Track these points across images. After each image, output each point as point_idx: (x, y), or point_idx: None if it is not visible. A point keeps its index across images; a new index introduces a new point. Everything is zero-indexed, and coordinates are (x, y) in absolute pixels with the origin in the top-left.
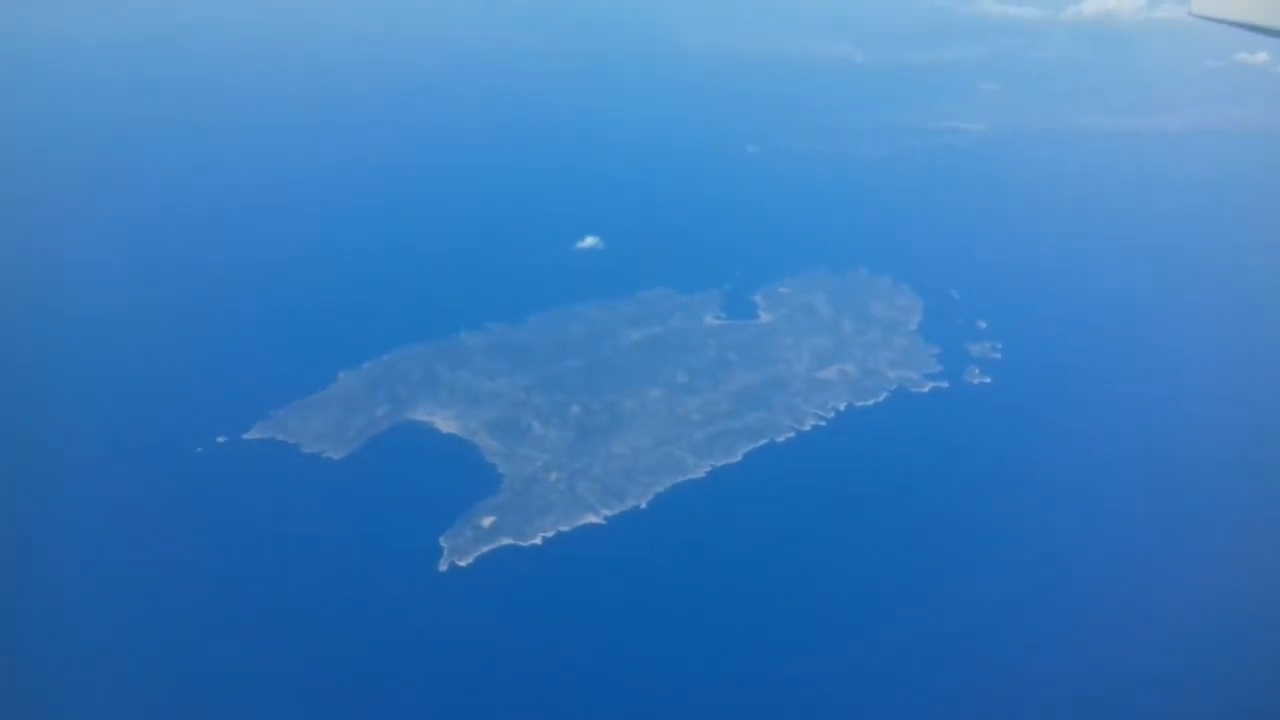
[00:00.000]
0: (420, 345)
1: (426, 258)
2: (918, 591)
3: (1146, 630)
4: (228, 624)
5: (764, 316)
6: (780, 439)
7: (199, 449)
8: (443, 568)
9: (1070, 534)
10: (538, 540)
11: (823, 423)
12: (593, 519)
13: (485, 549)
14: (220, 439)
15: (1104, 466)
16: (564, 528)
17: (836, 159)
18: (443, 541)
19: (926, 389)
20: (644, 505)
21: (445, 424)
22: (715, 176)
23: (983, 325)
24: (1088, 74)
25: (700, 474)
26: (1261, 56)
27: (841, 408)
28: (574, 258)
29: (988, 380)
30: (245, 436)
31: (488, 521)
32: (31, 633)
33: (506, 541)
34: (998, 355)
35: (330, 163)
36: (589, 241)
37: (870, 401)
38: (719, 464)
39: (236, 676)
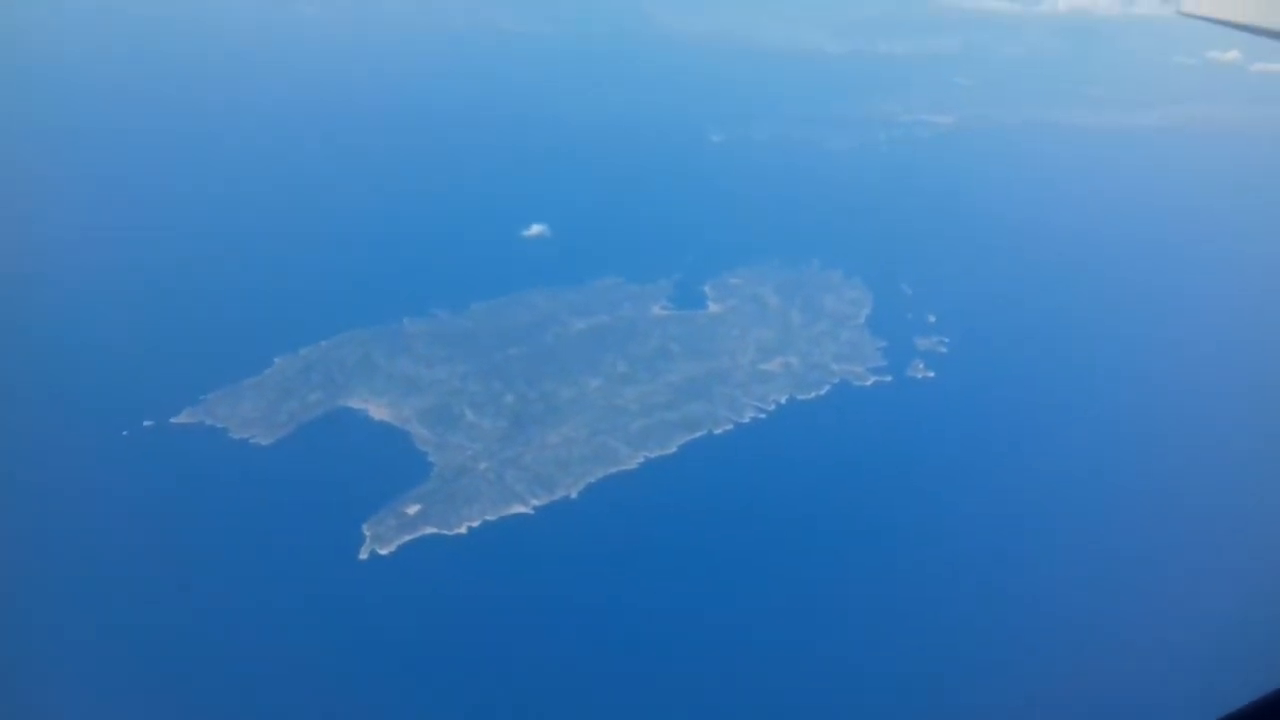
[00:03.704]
0: (361, 331)
1: (371, 243)
2: (845, 583)
3: (1095, 632)
4: (141, 609)
5: (712, 307)
6: (717, 431)
7: (124, 433)
8: (363, 555)
9: (1003, 530)
10: (463, 529)
11: (762, 415)
12: (520, 509)
13: (408, 537)
14: (147, 423)
15: (1045, 464)
16: (490, 517)
17: (800, 150)
18: (365, 529)
19: (869, 382)
20: (574, 495)
21: (378, 411)
22: (675, 164)
23: (932, 320)
24: (1060, 69)
25: (633, 465)
26: (1232, 54)
27: (782, 400)
28: (522, 245)
29: (931, 375)
30: (173, 421)
31: (413, 510)
32: None
33: (431, 530)
34: (944, 350)
35: (274, 145)
36: (536, 229)
37: (811, 395)
38: (653, 455)
39: (146, 660)
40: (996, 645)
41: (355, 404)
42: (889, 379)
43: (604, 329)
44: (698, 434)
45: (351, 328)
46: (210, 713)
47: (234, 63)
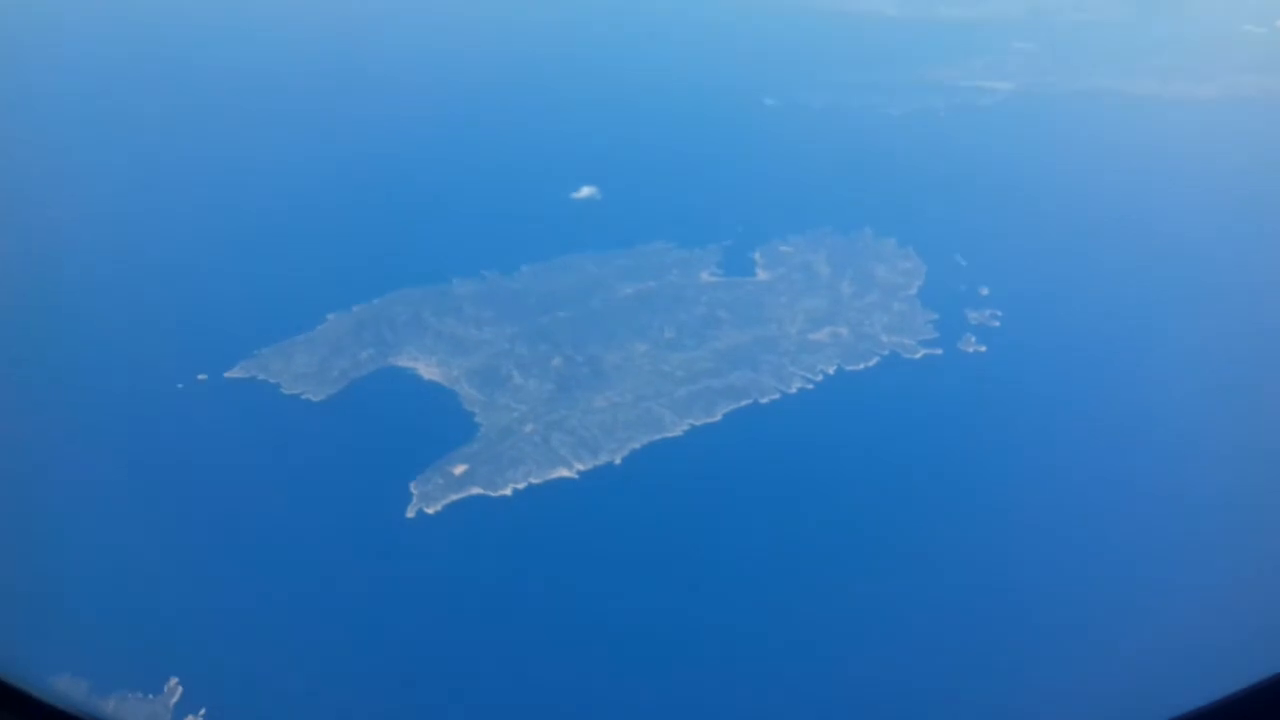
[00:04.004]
0: (411, 290)
1: (423, 203)
2: (885, 557)
3: (1141, 621)
4: (190, 560)
5: (761, 275)
6: (763, 400)
7: (179, 385)
8: (410, 514)
9: (1049, 512)
10: (507, 491)
11: (809, 385)
12: (565, 472)
13: (454, 497)
14: (201, 376)
15: (1095, 446)
16: (535, 480)
17: (855, 115)
18: (413, 488)
19: (919, 355)
20: (617, 461)
21: (427, 370)
22: (727, 129)
23: (985, 292)
24: (1126, 36)
25: (678, 432)
26: None
27: (830, 371)
28: (571, 208)
29: (983, 349)
30: (227, 375)
31: (459, 470)
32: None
33: (476, 491)
34: (997, 324)
35: (328, 108)
36: (586, 192)
37: (860, 365)
38: (698, 422)
39: (191, 612)
40: (1040, 631)
41: (405, 362)
42: (939, 352)
43: (652, 294)
44: (743, 403)
45: (403, 286)
46: (254, 665)
47: (281, 29)
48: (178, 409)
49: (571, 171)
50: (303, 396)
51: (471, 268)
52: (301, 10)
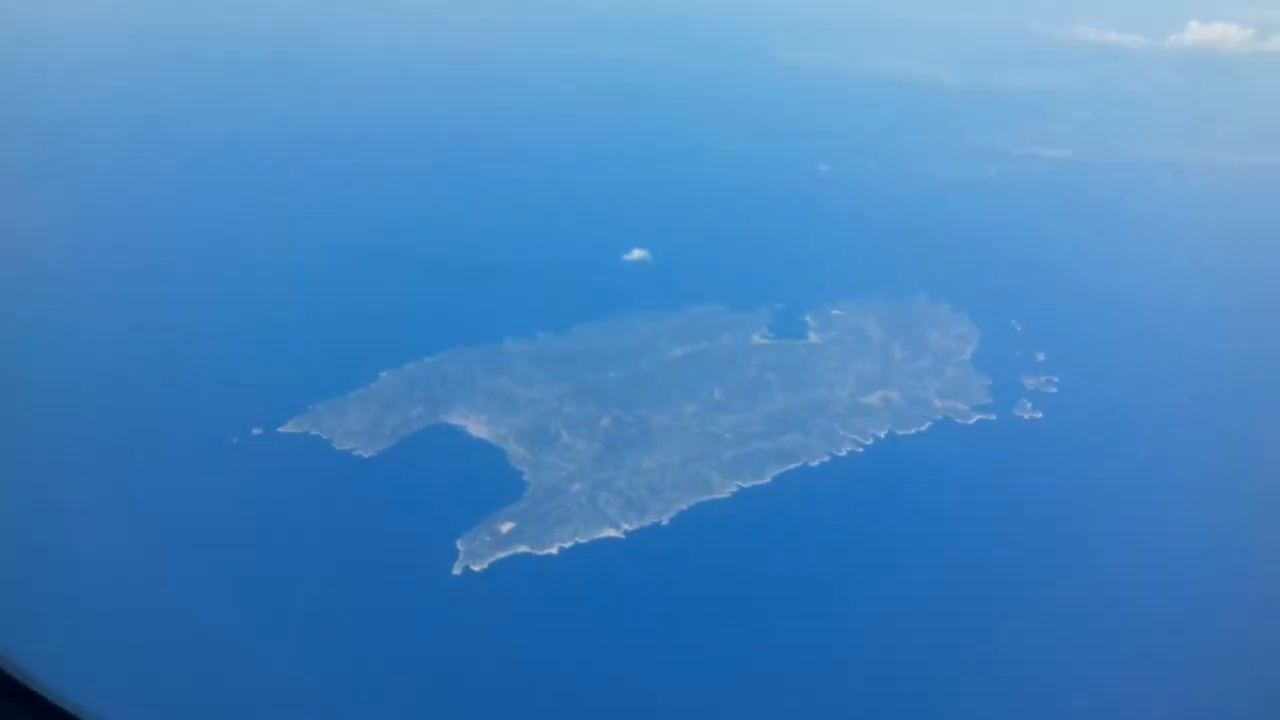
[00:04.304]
0: (464, 349)
1: (477, 263)
2: (934, 626)
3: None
4: (239, 613)
5: (813, 338)
6: (813, 463)
7: (234, 439)
8: (456, 571)
9: (1108, 584)
10: (554, 550)
11: (859, 449)
12: (611, 532)
13: (501, 555)
14: (256, 430)
15: (1157, 514)
16: (581, 539)
17: (909, 181)
18: (460, 545)
19: (972, 421)
20: (665, 522)
21: (476, 428)
22: (781, 193)
23: (1041, 359)
24: (1184, 105)
25: (726, 494)
26: None
27: (881, 435)
28: (624, 270)
29: (1039, 415)
30: (280, 430)
31: (506, 528)
32: (54, 618)
33: (523, 549)
34: (1053, 390)
35: (386, 165)
36: (638, 254)
37: (912, 430)
38: (746, 484)
39: (242, 667)
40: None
41: (455, 420)
42: (994, 417)
43: (702, 356)
44: (792, 465)
45: (456, 346)
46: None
47: (341, 84)
48: (233, 463)
49: (624, 234)
50: (354, 452)
51: (524, 328)
52: (360, 67)
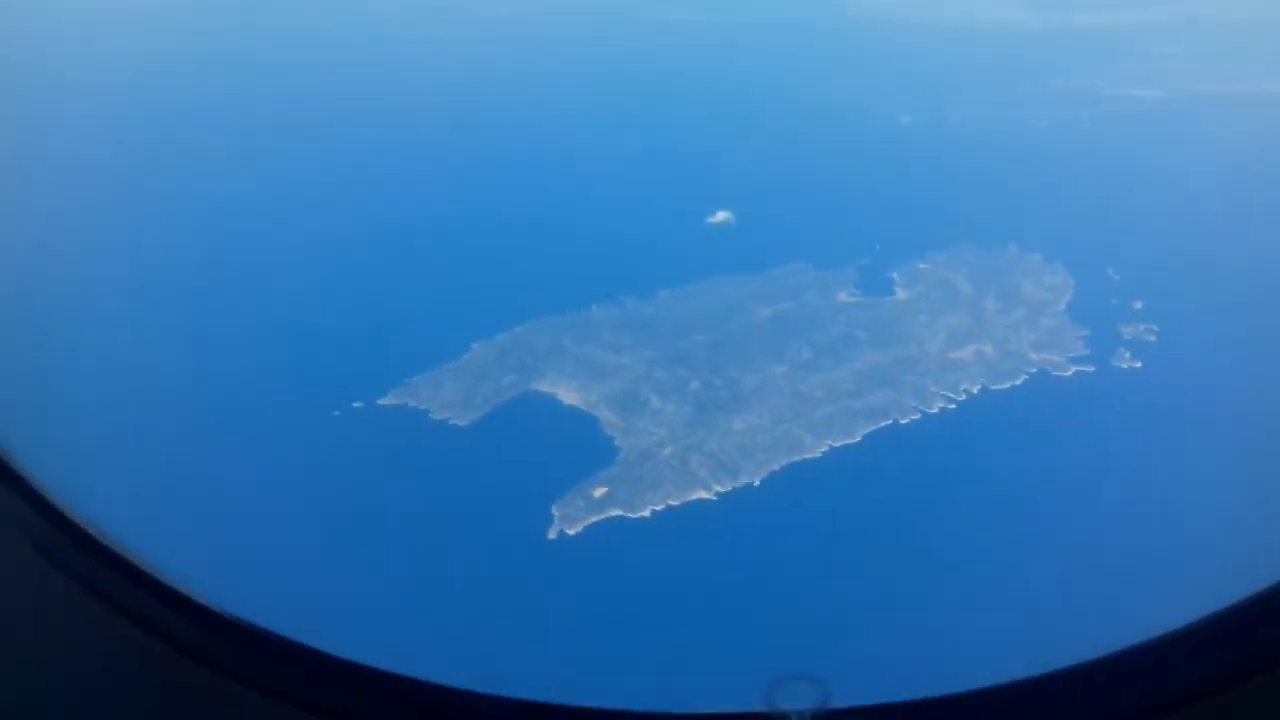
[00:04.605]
0: (553, 318)
1: (563, 230)
2: (1030, 585)
3: None
4: (342, 583)
5: (900, 294)
6: (904, 420)
7: (336, 413)
8: (552, 535)
9: (1210, 532)
10: (646, 513)
11: (951, 405)
12: (703, 494)
13: (595, 519)
14: (356, 404)
15: (1262, 458)
16: (674, 502)
17: (995, 129)
18: (554, 510)
19: (1070, 372)
20: (756, 483)
21: (567, 395)
22: (863, 147)
23: (1139, 306)
24: None
25: (817, 454)
26: None
27: (974, 390)
28: (707, 232)
29: (1138, 365)
30: (380, 402)
31: (599, 492)
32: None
33: (616, 513)
34: (1153, 338)
35: (466, 136)
36: (721, 216)
37: (1006, 384)
38: (837, 444)
39: (340, 634)
40: None
41: (546, 388)
42: (1091, 369)
43: (789, 316)
44: (884, 423)
45: (544, 315)
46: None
47: (424, 49)
48: (335, 435)
49: (706, 196)
50: (450, 422)
51: (609, 294)
52: (446, 30)
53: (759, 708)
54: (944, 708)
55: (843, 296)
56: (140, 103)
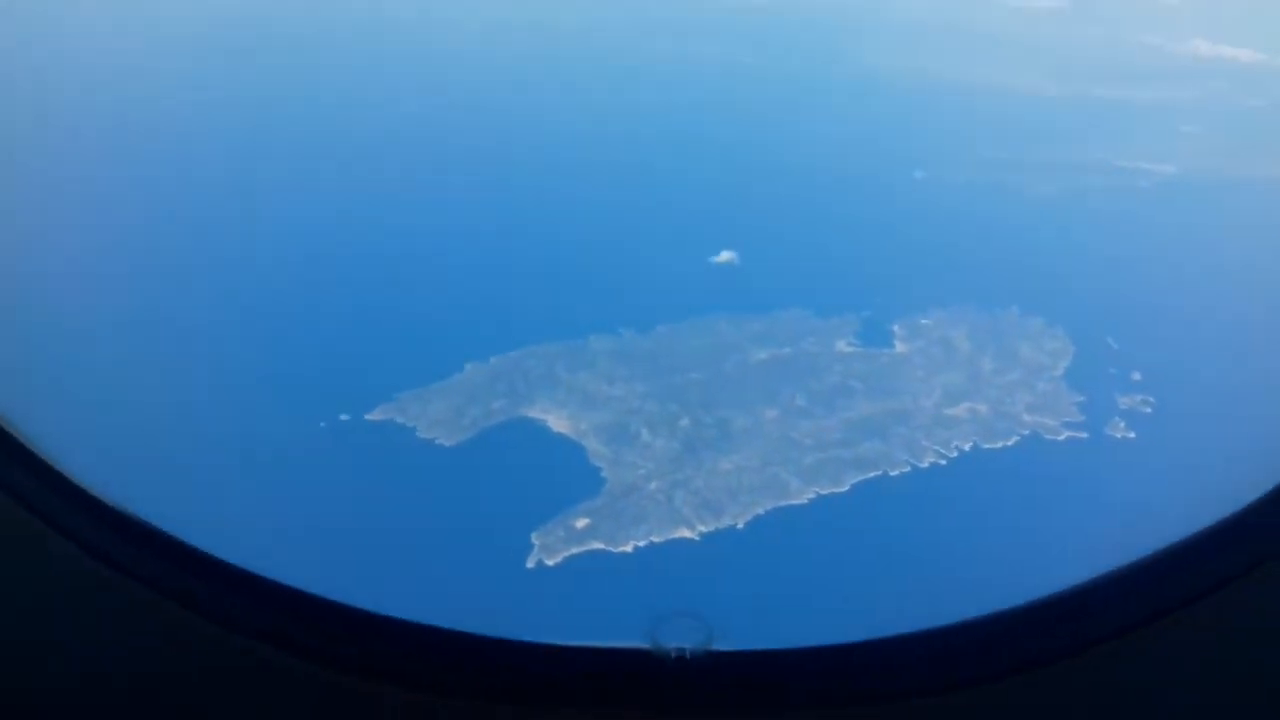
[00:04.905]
0: (548, 344)
1: (564, 258)
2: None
3: None
4: (313, 590)
5: (899, 347)
6: (893, 472)
7: (322, 424)
8: (530, 564)
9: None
10: (628, 548)
11: (942, 461)
12: (686, 533)
13: (575, 550)
14: (344, 416)
15: None
16: (656, 539)
17: (1007, 192)
18: (535, 538)
19: (1062, 437)
20: (740, 525)
21: (557, 423)
22: (874, 199)
23: (1137, 377)
24: None
25: (803, 500)
26: None
27: (965, 447)
28: (711, 270)
29: (1132, 435)
30: (367, 416)
31: (581, 523)
32: None
33: (597, 545)
34: (1148, 410)
35: (472, 158)
36: (725, 256)
37: (998, 444)
38: (824, 491)
39: None
40: None
41: (536, 414)
42: (1084, 435)
43: (785, 360)
44: (872, 474)
45: (541, 340)
46: None
47: (430, 69)
48: (318, 447)
49: (714, 235)
50: (436, 441)
51: (609, 325)
52: (460, 50)
53: (641, 643)
54: (830, 655)
55: (841, 345)
56: (142, 104)
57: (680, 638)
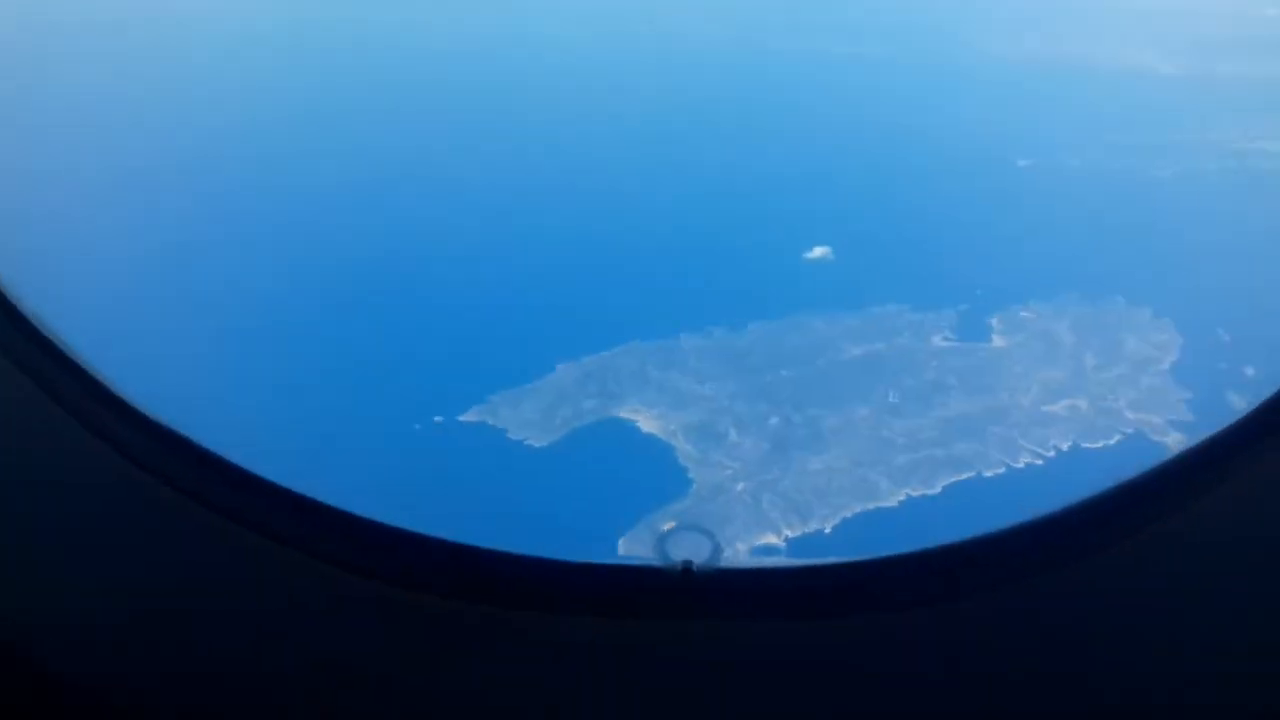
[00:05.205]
0: (641, 343)
1: (658, 257)
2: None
3: None
4: None
5: (997, 341)
6: (988, 473)
7: (417, 426)
8: None
9: None
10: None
11: (1039, 461)
12: (771, 538)
13: None
14: (437, 418)
15: None
16: (741, 545)
17: (1116, 177)
18: (621, 542)
19: (1168, 437)
20: (828, 530)
21: (647, 423)
22: (976, 189)
23: (1250, 373)
24: None
25: (893, 502)
26: None
27: (1064, 447)
28: (804, 267)
29: None
30: (460, 418)
31: (668, 526)
32: None
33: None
34: None
35: (565, 157)
36: (819, 251)
37: (1099, 444)
38: (915, 493)
39: None
40: None
41: (626, 414)
42: (1191, 436)
43: (879, 357)
44: (966, 475)
45: (632, 339)
46: None
47: (541, 80)
48: (413, 449)
49: (809, 230)
50: (526, 442)
51: (701, 323)
52: (556, 49)
53: (650, 559)
54: (830, 573)
55: (938, 340)
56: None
57: (687, 552)
